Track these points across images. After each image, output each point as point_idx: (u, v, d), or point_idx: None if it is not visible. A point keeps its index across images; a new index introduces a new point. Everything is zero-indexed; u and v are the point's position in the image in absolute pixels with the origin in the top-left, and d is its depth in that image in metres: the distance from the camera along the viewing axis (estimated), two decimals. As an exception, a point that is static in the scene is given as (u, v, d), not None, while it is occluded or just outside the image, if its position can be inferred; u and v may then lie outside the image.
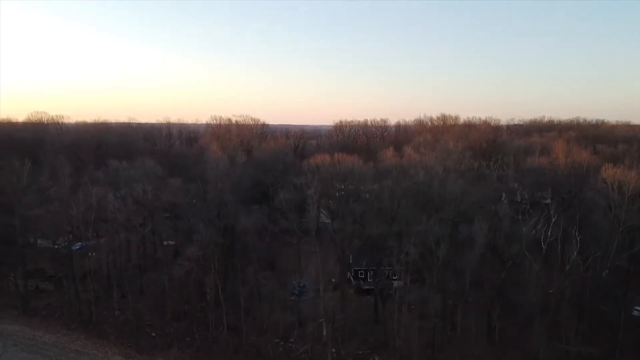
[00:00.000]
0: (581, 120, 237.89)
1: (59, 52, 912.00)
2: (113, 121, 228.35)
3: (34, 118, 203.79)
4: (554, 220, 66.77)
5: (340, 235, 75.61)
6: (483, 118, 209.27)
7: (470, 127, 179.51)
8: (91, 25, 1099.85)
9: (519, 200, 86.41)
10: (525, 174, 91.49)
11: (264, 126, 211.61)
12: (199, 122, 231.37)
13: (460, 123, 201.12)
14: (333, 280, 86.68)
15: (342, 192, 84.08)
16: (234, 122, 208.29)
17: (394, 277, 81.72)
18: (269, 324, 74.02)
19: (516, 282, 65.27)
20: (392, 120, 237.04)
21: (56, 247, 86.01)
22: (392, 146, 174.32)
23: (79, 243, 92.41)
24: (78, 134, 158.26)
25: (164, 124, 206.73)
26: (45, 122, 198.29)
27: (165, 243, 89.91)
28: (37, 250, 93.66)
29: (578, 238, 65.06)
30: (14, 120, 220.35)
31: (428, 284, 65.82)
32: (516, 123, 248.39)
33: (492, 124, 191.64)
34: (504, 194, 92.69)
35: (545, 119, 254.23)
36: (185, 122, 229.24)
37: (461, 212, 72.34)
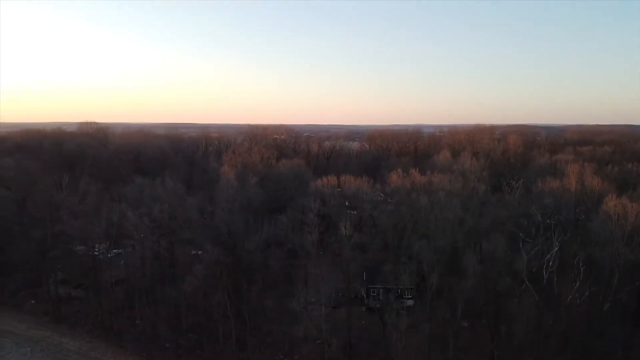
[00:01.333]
0: (628, 127, 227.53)
1: (79, 53, 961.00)
2: (159, 122, 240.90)
3: (83, 128, 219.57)
4: (556, 249, 65.61)
5: (344, 256, 77.30)
6: (521, 124, 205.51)
7: (501, 140, 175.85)
8: (95, 25, 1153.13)
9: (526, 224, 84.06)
10: (534, 198, 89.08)
11: (298, 135, 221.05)
12: (241, 123, 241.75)
13: (495, 132, 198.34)
14: (345, 295, 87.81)
15: (347, 215, 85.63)
16: (269, 126, 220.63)
17: (407, 296, 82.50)
18: (274, 340, 76.77)
19: (513, 312, 64.53)
20: (433, 121, 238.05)
21: (92, 253, 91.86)
22: (423, 157, 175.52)
23: (114, 250, 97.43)
24: (118, 147, 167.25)
25: (203, 125, 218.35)
26: (93, 132, 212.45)
27: (193, 252, 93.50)
28: (73, 257, 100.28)
29: (582, 269, 63.75)
30: (65, 125, 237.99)
31: (419, 311, 66.43)
32: (557, 125, 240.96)
33: (527, 135, 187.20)
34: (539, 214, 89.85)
35: (587, 124, 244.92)
36: (227, 123, 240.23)
37: (461, 238, 72.19)
